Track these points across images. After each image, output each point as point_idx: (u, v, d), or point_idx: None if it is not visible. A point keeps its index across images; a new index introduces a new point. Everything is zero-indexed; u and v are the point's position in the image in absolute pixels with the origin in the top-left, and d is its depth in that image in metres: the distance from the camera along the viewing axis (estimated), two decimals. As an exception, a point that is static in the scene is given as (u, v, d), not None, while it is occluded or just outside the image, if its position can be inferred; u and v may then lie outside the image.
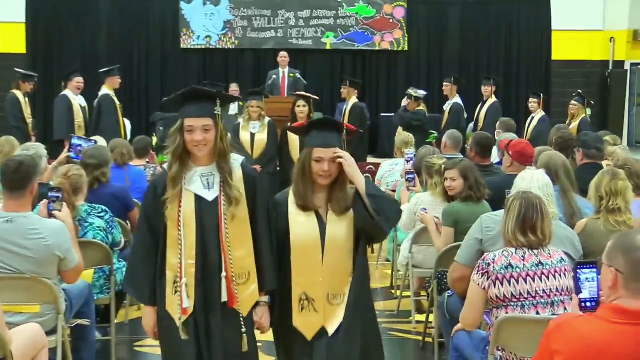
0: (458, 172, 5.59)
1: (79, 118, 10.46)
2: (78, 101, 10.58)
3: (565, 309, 3.84)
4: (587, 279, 3.15)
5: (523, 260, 3.89)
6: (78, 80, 10.57)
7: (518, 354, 3.87)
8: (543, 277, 3.87)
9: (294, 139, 9.10)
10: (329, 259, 3.83)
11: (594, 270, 3.14)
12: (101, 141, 7.29)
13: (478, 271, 3.94)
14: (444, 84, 12.17)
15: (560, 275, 3.89)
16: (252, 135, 9.20)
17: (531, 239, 3.93)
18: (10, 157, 4.63)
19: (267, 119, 9.33)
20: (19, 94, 10.69)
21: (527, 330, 3.74)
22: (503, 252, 3.93)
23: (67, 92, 10.55)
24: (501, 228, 4.08)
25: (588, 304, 3.11)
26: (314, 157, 3.82)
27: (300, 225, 3.83)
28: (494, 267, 3.88)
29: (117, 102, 10.61)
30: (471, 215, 5.12)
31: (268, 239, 3.79)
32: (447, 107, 11.94)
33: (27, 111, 10.75)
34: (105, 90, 10.59)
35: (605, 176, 4.89)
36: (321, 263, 3.82)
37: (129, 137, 10.75)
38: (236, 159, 3.81)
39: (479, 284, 3.93)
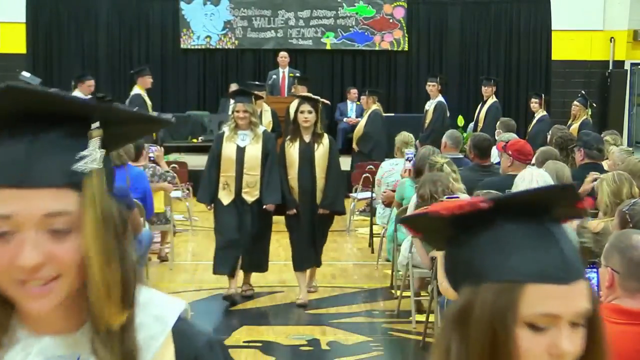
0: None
1: None
2: (86, 103, 10.78)
3: None
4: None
5: None
6: (90, 84, 10.91)
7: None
8: None
9: (291, 153, 6.85)
10: None
11: (594, 270, 3.14)
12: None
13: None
14: (430, 83, 11.92)
15: None
16: (241, 150, 6.75)
17: None
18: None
19: (260, 128, 6.98)
20: None
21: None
22: None
23: (77, 92, 10.63)
24: None
25: (588, 304, 3.11)
26: (533, 316, 1.18)
27: None
28: None
29: (149, 102, 10.70)
30: None
31: None
32: (429, 107, 11.83)
33: None
34: (136, 90, 10.79)
35: (624, 182, 4.88)
36: None
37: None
38: (159, 310, 1.20)
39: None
